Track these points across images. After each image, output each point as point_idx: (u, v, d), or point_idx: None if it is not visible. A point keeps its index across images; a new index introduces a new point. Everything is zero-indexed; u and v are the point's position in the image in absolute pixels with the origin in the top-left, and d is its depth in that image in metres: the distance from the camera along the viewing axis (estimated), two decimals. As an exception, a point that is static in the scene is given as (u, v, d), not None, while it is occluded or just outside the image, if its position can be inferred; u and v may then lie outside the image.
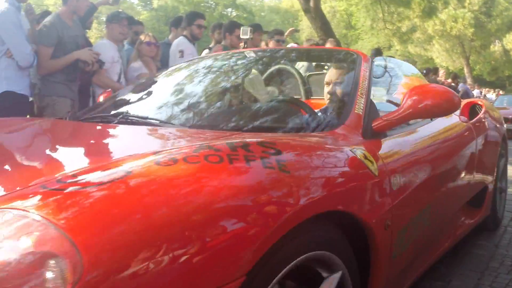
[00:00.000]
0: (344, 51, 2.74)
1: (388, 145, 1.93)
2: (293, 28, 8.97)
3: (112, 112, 2.24)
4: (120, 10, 5.57)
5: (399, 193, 1.77)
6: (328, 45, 7.23)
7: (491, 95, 22.84)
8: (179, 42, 5.12)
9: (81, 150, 1.83)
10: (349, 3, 26.67)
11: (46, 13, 4.84)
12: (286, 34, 7.01)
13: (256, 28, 5.29)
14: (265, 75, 2.95)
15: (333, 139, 1.75)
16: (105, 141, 2.00)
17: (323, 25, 14.28)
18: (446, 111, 1.95)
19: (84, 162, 1.57)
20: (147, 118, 2.08)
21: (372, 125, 1.90)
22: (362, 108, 1.95)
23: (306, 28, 28.22)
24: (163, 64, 5.00)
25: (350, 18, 32.86)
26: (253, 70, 2.76)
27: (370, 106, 1.99)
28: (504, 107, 13.70)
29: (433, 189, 2.21)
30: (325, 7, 21.84)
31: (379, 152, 1.79)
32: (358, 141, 1.79)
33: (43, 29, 4.05)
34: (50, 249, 0.92)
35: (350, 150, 1.64)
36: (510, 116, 11.95)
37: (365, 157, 1.66)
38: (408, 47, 30.83)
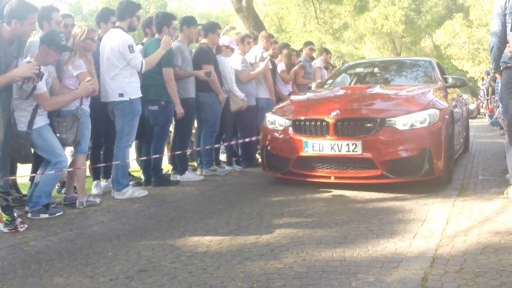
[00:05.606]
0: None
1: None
2: (230, 25, 9.51)
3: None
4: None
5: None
6: (260, 39, 7.62)
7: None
8: (125, 37, 4.91)
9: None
10: (280, 6, 26.27)
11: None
12: (223, 32, 7.60)
13: (192, 22, 6.12)
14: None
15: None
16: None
17: (256, 24, 13.97)
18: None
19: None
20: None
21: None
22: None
23: (239, 30, 27.45)
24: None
25: (281, 21, 32.39)
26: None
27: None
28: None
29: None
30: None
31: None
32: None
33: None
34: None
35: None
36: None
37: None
38: (340, 46, 30.73)
